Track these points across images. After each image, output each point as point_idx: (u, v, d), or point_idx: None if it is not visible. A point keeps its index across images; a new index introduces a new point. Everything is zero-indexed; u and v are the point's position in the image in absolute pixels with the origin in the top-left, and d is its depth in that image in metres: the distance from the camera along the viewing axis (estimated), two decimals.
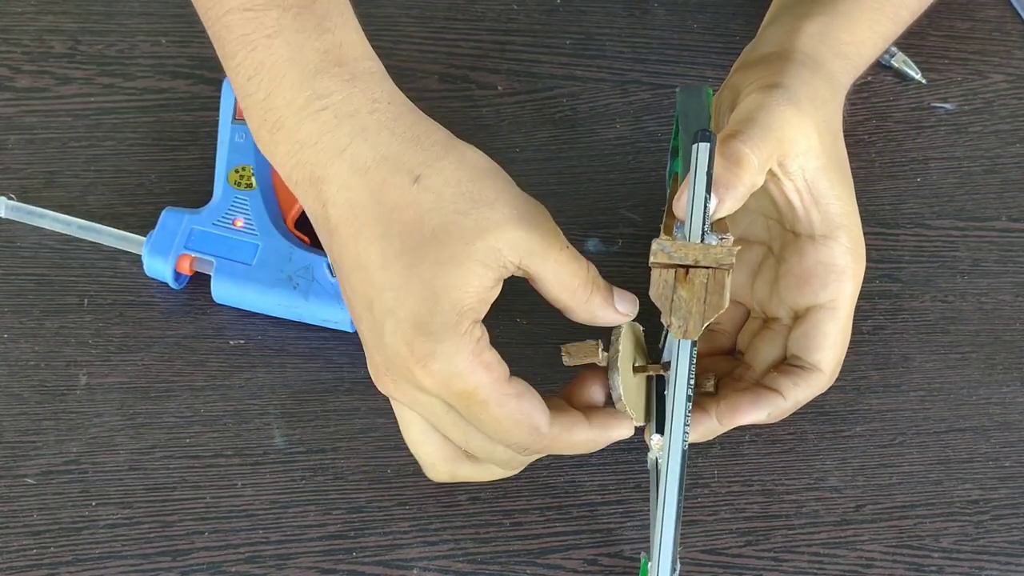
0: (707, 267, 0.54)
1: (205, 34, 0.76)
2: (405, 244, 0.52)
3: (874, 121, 0.76)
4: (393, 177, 0.53)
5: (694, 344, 0.55)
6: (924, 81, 0.77)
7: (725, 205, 0.56)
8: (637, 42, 0.78)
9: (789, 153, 0.58)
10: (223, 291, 0.67)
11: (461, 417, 0.55)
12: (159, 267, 0.67)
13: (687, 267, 0.54)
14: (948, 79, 0.78)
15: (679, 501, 0.54)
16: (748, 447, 0.66)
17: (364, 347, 0.56)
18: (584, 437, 0.57)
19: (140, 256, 0.67)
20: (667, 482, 0.55)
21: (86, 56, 0.75)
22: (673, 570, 0.54)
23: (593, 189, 0.73)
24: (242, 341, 0.67)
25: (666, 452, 0.55)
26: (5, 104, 0.73)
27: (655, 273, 0.55)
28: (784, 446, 0.66)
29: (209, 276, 0.67)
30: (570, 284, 0.55)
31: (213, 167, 0.70)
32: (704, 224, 0.54)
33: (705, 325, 0.54)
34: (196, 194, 0.70)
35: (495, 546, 0.63)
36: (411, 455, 0.65)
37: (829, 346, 0.61)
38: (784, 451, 0.66)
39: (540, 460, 0.64)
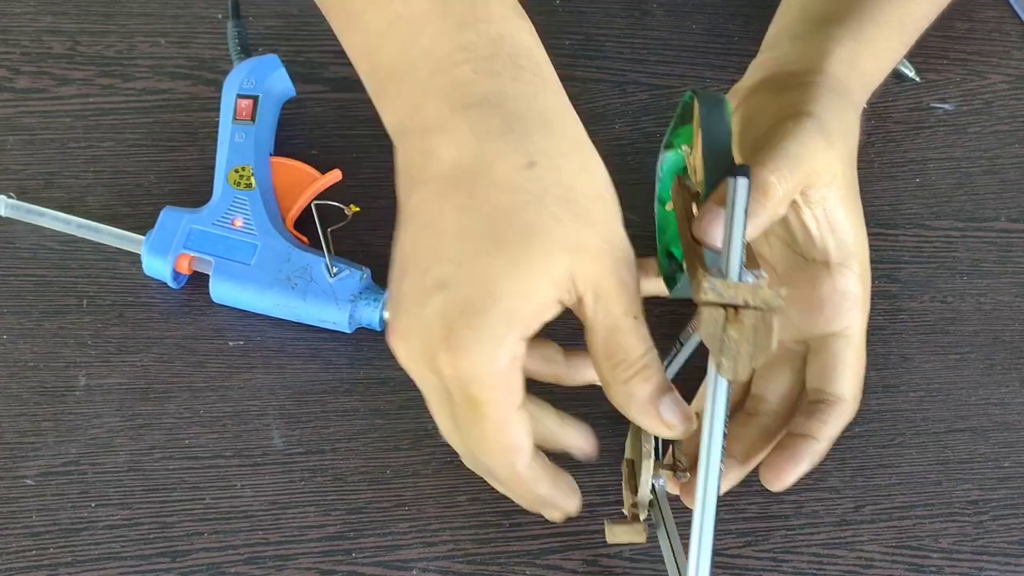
0: (756, 308, 0.52)
1: (204, 35, 0.76)
2: (489, 227, 0.49)
3: (873, 121, 0.76)
4: (509, 154, 0.49)
5: (730, 384, 0.53)
6: (919, 80, 0.77)
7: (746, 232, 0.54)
8: (636, 43, 0.78)
9: (814, 184, 0.57)
10: (221, 291, 0.67)
11: (452, 411, 0.53)
12: (158, 266, 0.67)
13: (736, 307, 0.52)
14: (947, 79, 0.78)
15: (711, 549, 0.53)
16: None
17: (392, 301, 0.53)
18: (544, 492, 0.55)
19: (139, 256, 0.67)
20: (701, 534, 0.53)
21: (85, 57, 0.75)
22: None
23: None
24: (241, 342, 0.67)
25: (699, 499, 0.53)
26: (4, 105, 0.73)
27: (706, 312, 0.52)
28: None
29: (208, 276, 0.67)
30: (615, 355, 0.52)
31: (212, 167, 0.70)
32: (742, 260, 0.53)
33: (753, 368, 0.52)
34: (195, 194, 0.70)
35: (494, 547, 0.63)
36: (410, 455, 0.65)
37: (850, 374, 0.61)
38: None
39: None
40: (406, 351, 0.52)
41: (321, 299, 0.66)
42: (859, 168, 0.75)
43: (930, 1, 0.67)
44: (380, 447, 0.65)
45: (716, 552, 0.63)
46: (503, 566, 0.62)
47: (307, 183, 0.70)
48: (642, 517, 0.59)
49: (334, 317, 0.66)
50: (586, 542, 0.63)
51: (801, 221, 0.60)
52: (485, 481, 0.63)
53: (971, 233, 0.73)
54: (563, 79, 0.77)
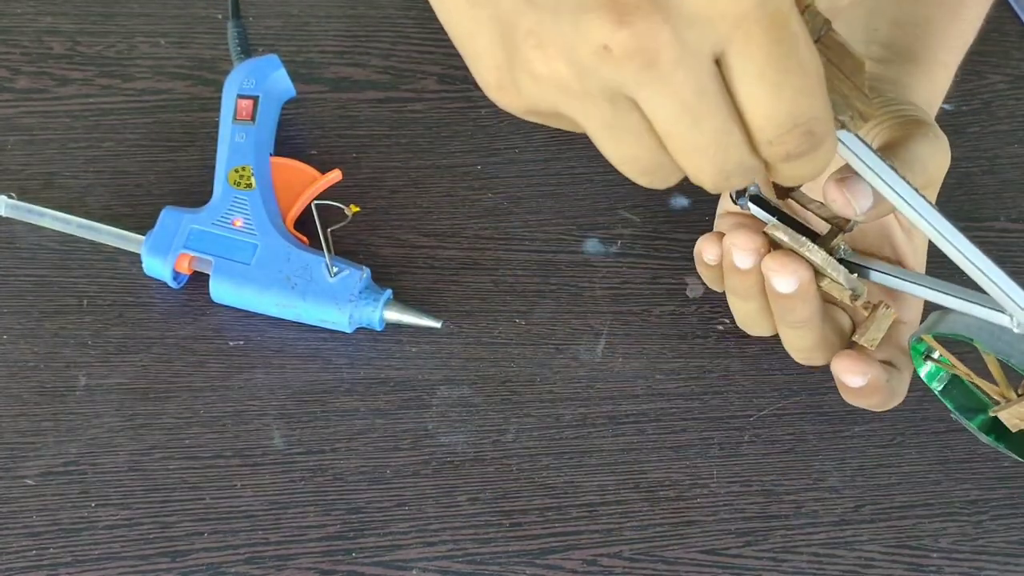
0: None
1: (204, 35, 0.76)
2: None
3: None
4: None
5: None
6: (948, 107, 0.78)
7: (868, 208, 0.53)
8: None
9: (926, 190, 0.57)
10: (221, 291, 0.67)
11: (725, 99, 0.41)
12: (158, 266, 0.67)
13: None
14: None
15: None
16: (747, 447, 0.66)
17: (489, 49, 0.43)
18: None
19: (139, 256, 0.67)
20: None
21: (85, 57, 0.75)
22: None
23: (592, 190, 0.73)
24: (241, 342, 0.67)
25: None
26: (4, 105, 0.73)
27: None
28: (783, 446, 0.66)
29: (208, 276, 0.67)
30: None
31: (212, 168, 0.70)
32: None
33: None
34: (195, 195, 0.70)
35: (494, 547, 0.63)
36: (410, 455, 0.65)
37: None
38: (783, 451, 0.66)
39: (539, 461, 0.65)
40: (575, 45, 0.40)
41: (321, 299, 0.66)
42: None
43: (973, 22, 0.67)
44: (380, 447, 0.65)
45: (715, 552, 0.64)
46: (503, 566, 0.62)
47: (307, 183, 0.70)
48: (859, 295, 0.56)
49: (334, 317, 0.66)
50: (586, 542, 0.63)
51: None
52: (485, 481, 0.63)
53: (970, 233, 0.73)
54: None
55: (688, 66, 0.39)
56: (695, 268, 0.63)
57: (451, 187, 0.72)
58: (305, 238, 0.68)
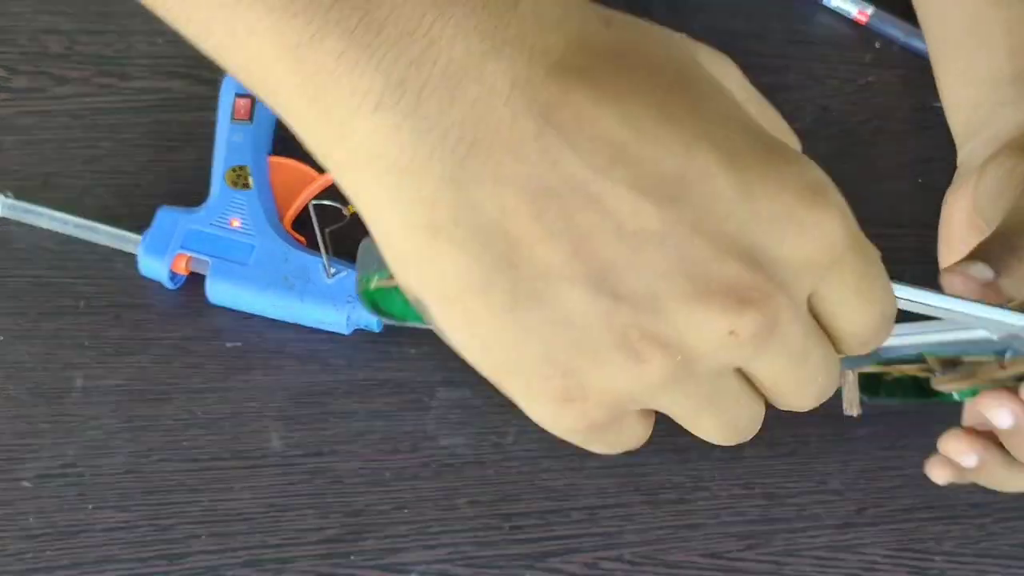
0: None
1: None
2: None
3: (875, 122, 0.76)
4: None
5: None
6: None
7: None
8: None
9: None
10: (219, 292, 0.66)
11: (817, 327, 0.39)
12: (154, 267, 0.66)
13: None
14: None
15: None
16: (749, 450, 0.66)
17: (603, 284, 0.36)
18: None
19: (136, 256, 0.67)
20: None
21: (83, 56, 0.75)
22: None
23: None
24: (239, 343, 0.67)
25: None
26: (1, 105, 0.73)
27: None
28: (786, 449, 0.66)
29: (205, 276, 0.66)
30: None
31: (210, 167, 0.69)
32: None
33: None
34: (193, 195, 0.70)
35: (494, 550, 0.62)
36: (410, 458, 0.65)
37: None
38: (786, 454, 0.66)
39: (540, 463, 0.64)
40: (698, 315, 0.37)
41: (319, 300, 0.65)
42: (861, 169, 0.74)
43: None
44: (379, 449, 0.64)
45: (717, 555, 0.63)
46: (502, 569, 0.62)
47: (305, 182, 0.69)
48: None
49: (332, 318, 0.65)
50: (587, 545, 0.63)
51: None
52: (485, 484, 0.63)
53: None
54: None
55: (798, 317, 0.38)
56: None
57: None
58: (303, 238, 0.68)
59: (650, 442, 0.65)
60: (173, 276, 0.67)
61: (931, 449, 0.66)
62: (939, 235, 0.63)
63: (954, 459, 0.56)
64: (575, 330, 0.36)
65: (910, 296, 0.48)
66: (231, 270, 0.66)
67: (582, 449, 0.65)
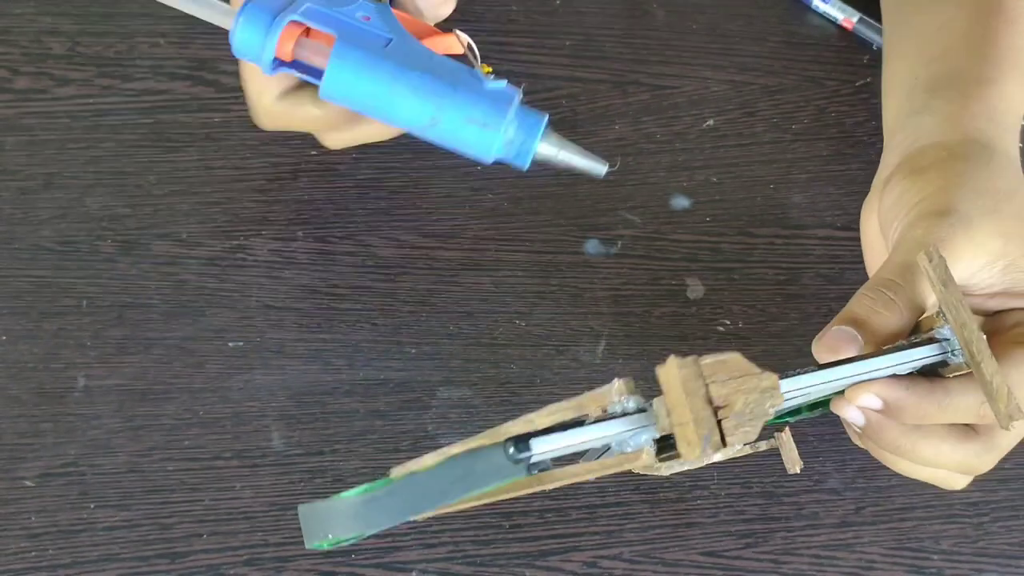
0: None
1: (204, 35, 0.76)
2: None
3: (874, 122, 0.76)
4: None
5: None
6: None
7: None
8: (637, 43, 0.78)
9: (969, 278, 0.55)
10: (342, 76, 0.52)
11: None
12: (253, 41, 0.52)
13: None
14: None
15: None
16: None
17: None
18: None
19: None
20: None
21: (85, 57, 0.75)
22: None
23: (593, 190, 0.73)
24: (240, 343, 0.67)
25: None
26: (4, 106, 0.73)
27: None
28: None
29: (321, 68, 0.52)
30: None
31: (212, 168, 0.69)
32: None
33: None
34: (196, 195, 0.70)
35: (494, 548, 0.63)
36: (410, 457, 0.65)
37: None
38: None
39: None
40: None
41: (475, 98, 0.52)
42: (860, 169, 0.75)
43: None
44: (379, 448, 0.65)
45: (715, 554, 0.64)
46: (503, 568, 0.62)
47: (422, 36, 0.58)
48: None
49: (488, 122, 0.52)
50: (586, 543, 0.63)
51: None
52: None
53: None
54: (563, 79, 0.77)
55: None
56: (695, 269, 0.62)
57: (452, 188, 0.72)
58: None
59: None
60: (275, 61, 0.53)
61: None
62: (861, 244, 0.63)
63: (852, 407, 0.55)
64: None
65: (799, 385, 0.51)
66: (365, 46, 0.52)
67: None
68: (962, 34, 0.64)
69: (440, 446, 0.65)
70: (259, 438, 0.65)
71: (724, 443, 0.45)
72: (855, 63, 0.78)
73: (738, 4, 0.80)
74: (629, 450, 0.46)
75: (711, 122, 0.76)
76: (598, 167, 0.56)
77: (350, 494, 0.47)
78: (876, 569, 0.63)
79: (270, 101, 0.61)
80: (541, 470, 0.46)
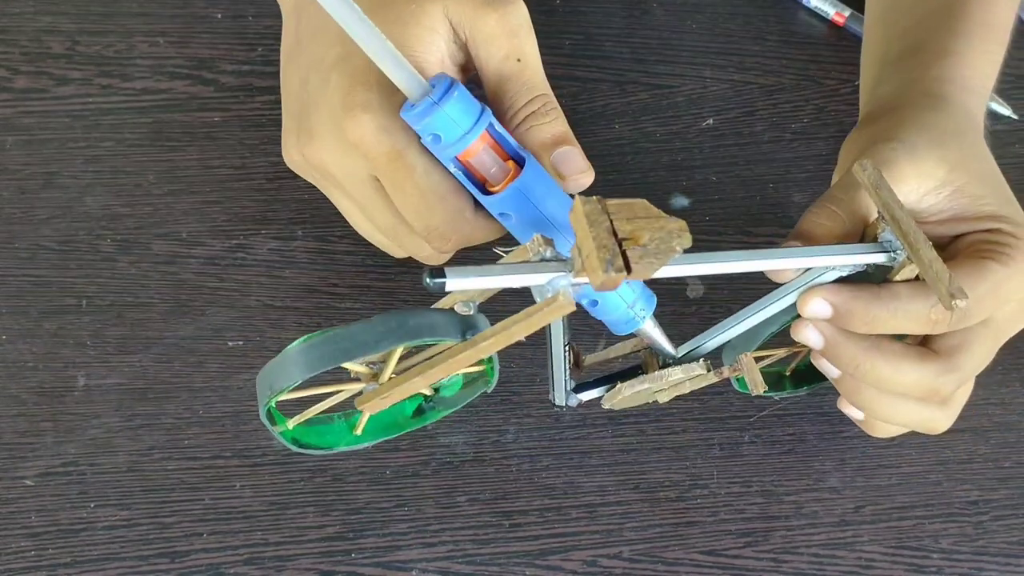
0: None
1: (203, 35, 0.76)
2: (364, 5, 0.49)
3: None
4: None
5: None
6: (1016, 118, 0.77)
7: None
8: (636, 42, 0.78)
9: (917, 202, 0.57)
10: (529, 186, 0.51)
11: (382, 194, 0.56)
12: (454, 121, 0.49)
13: None
14: None
15: None
16: (747, 448, 0.66)
17: (289, 118, 0.58)
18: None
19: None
20: None
21: (84, 57, 0.75)
22: None
23: (592, 190, 0.72)
24: (240, 342, 0.67)
25: None
26: (3, 105, 0.73)
27: None
28: (783, 447, 0.66)
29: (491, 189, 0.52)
30: (503, 102, 0.55)
31: (211, 167, 0.69)
32: None
33: None
34: (195, 194, 0.70)
35: (494, 547, 0.63)
36: (410, 456, 0.65)
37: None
38: (783, 452, 0.66)
39: (539, 461, 0.65)
40: (314, 149, 0.57)
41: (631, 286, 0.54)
42: None
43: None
44: (379, 447, 0.64)
45: (714, 553, 0.64)
46: (503, 567, 0.62)
47: None
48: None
49: (638, 313, 0.56)
50: (586, 542, 0.63)
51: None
52: (485, 482, 0.63)
53: None
54: (563, 79, 0.77)
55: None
56: None
57: None
58: None
59: (649, 441, 0.66)
60: (455, 162, 0.51)
61: (930, 448, 0.67)
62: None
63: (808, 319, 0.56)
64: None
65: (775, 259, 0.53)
66: (545, 175, 0.53)
67: (581, 448, 0.65)
68: (934, 9, 0.65)
69: (440, 445, 0.65)
70: (259, 437, 0.65)
71: (629, 269, 0.45)
72: (854, 62, 0.78)
73: (737, 3, 0.80)
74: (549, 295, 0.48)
75: (710, 121, 0.76)
76: (671, 351, 0.59)
77: (293, 344, 0.51)
78: (876, 568, 0.63)
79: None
80: (474, 334, 0.50)
